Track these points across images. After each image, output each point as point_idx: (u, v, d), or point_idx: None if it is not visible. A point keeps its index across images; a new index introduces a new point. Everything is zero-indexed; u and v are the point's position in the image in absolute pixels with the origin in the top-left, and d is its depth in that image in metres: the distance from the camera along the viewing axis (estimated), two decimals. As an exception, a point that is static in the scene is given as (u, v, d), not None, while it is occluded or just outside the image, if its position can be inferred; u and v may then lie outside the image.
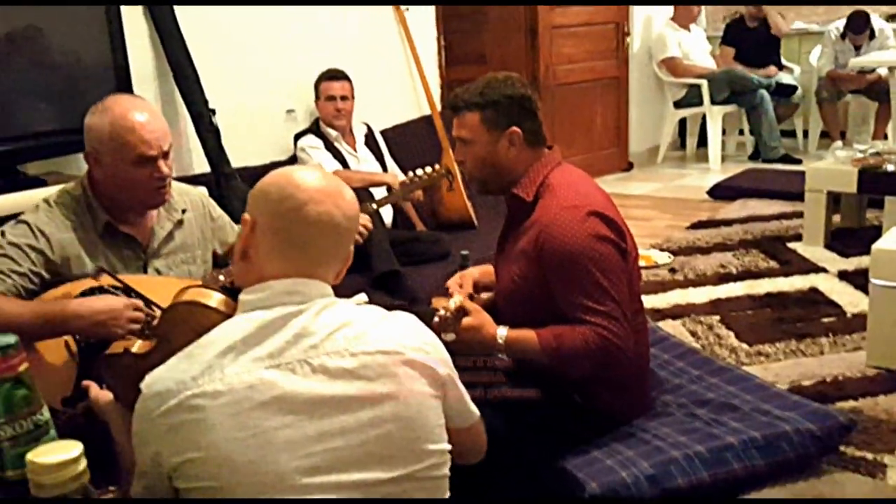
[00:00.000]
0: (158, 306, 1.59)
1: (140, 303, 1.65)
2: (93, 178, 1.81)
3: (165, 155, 1.77)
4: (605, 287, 1.63)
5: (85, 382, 1.40)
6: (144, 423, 1.06)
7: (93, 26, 2.71)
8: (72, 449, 0.67)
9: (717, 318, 3.04)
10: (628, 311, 1.68)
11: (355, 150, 3.52)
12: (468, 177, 1.87)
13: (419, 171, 2.47)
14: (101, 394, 1.35)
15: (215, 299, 1.26)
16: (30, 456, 0.66)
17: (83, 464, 0.67)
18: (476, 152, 1.78)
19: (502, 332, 1.66)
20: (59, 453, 0.67)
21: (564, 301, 1.66)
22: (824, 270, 3.48)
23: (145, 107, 1.80)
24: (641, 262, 2.01)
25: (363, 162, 3.51)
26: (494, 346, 1.66)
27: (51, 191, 1.87)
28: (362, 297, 1.22)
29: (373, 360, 1.11)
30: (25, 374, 0.73)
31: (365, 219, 1.93)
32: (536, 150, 1.80)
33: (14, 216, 1.81)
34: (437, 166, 2.49)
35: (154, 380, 1.07)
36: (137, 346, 1.32)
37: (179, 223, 1.92)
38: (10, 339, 0.73)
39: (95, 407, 1.35)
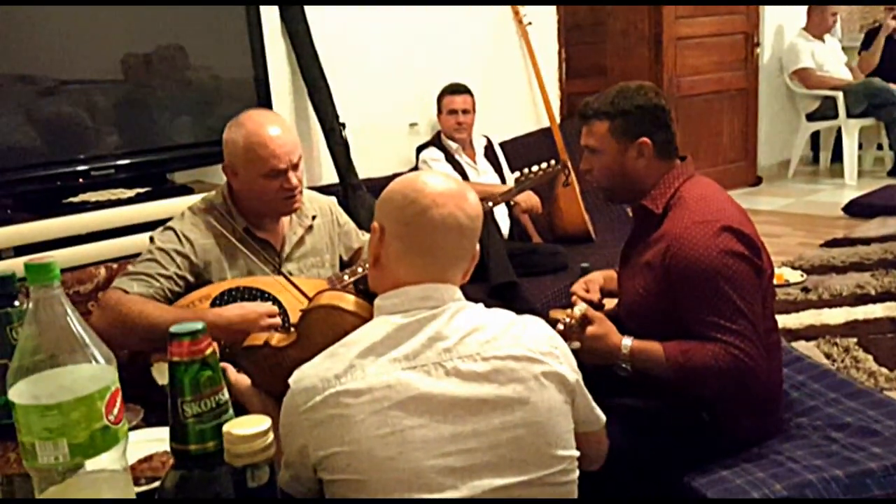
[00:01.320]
0: (307, 296, 1.65)
1: (275, 310, 1.73)
2: (231, 187, 1.92)
3: (295, 167, 1.85)
4: (737, 305, 1.57)
5: (223, 364, 1.46)
6: (292, 417, 1.12)
7: (235, 44, 2.89)
8: (263, 423, 0.73)
9: (854, 340, 2.89)
10: (762, 329, 1.62)
11: (475, 162, 3.57)
12: (595, 185, 1.85)
13: (534, 168, 2.46)
14: (239, 377, 1.41)
15: (351, 302, 1.32)
16: (226, 427, 0.73)
17: (272, 436, 0.73)
18: (603, 162, 1.76)
19: (627, 342, 1.64)
20: (251, 426, 0.73)
21: (693, 318, 1.61)
22: (973, 293, 3.25)
23: (276, 121, 1.87)
24: (773, 280, 1.94)
25: (482, 174, 3.55)
26: (618, 355, 1.64)
27: (195, 198, 2.00)
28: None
29: (504, 364, 1.13)
30: (211, 357, 0.80)
31: None
32: (668, 161, 1.75)
33: (165, 220, 1.94)
34: (552, 161, 2.46)
35: (301, 376, 1.13)
36: (276, 338, 1.39)
37: (310, 228, 2.00)
38: (199, 324, 0.80)
39: (234, 389, 1.40)
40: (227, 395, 0.81)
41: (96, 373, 0.89)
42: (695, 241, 1.61)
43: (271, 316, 1.71)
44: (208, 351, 0.79)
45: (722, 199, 1.73)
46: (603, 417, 1.29)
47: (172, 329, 0.78)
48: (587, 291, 1.93)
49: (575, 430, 1.20)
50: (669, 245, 1.65)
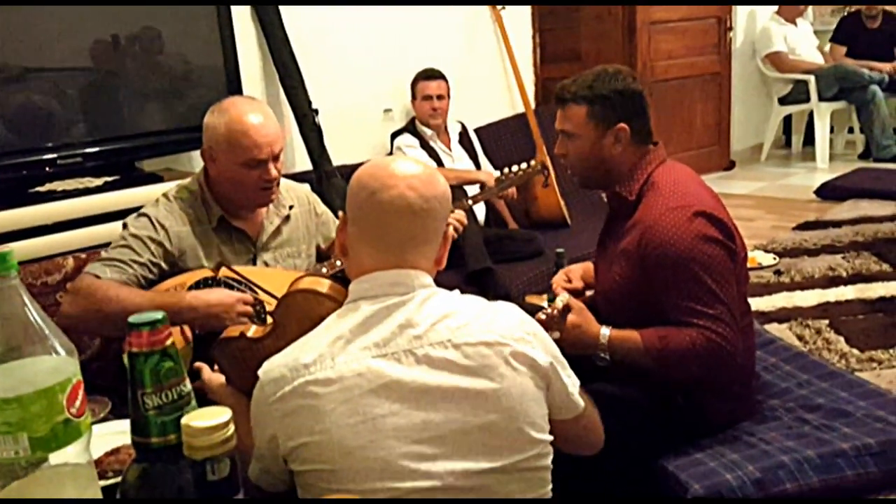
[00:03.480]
0: (273, 295, 1.65)
1: (251, 297, 1.71)
2: (208, 174, 1.88)
3: (276, 158, 1.82)
4: (712, 290, 1.58)
5: (197, 364, 1.46)
6: (261, 407, 1.11)
7: (205, 30, 2.84)
8: (222, 414, 0.71)
9: (826, 322, 2.92)
10: (736, 312, 1.62)
11: (450, 148, 3.55)
12: (569, 170, 1.84)
13: (514, 168, 2.47)
14: (213, 376, 1.40)
15: (328, 286, 1.31)
16: (184, 420, 0.71)
17: (232, 429, 0.72)
18: (579, 147, 1.74)
19: (605, 332, 1.64)
20: (211, 418, 0.71)
21: (669, 304, 1.61)
22: (942, 275, 3.29)
23: (261, 110, 1.84)
24: (746, 263, 1.96)
25: (457, 160, 3.54)
26: (597, 345, 1.63)
27: (169, 186, 1.96)
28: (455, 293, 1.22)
29: (475, 351, 1.11)
30: (171, 348, 0.78)
31: (460, 214, 1.93)
32: (642, 147, 1.74)
33: (134, 209, 1.91)
34: (532, 162, 2.48)
35: (270, 367, 1.12)
36: (253, 330, 1.38)
37: (287, 218, 1.98)
38: (158, 314, 0.77)
39: (207, 388, 1.40)
40: (188, 387, 0.79)
41: (57, 365, 0.87)
42: (669, 227, 1.61)
43: (247, 303, 1.69)
44: (168, 341, 0.77)
45: (694, 184, 1.73)
46: (581, 403, 1.26)
47: (131, 319, 0.76)
48: (568, 281, 1.92)
49: (555, 417, 1.19)
50: (644, 232, 1.65)
